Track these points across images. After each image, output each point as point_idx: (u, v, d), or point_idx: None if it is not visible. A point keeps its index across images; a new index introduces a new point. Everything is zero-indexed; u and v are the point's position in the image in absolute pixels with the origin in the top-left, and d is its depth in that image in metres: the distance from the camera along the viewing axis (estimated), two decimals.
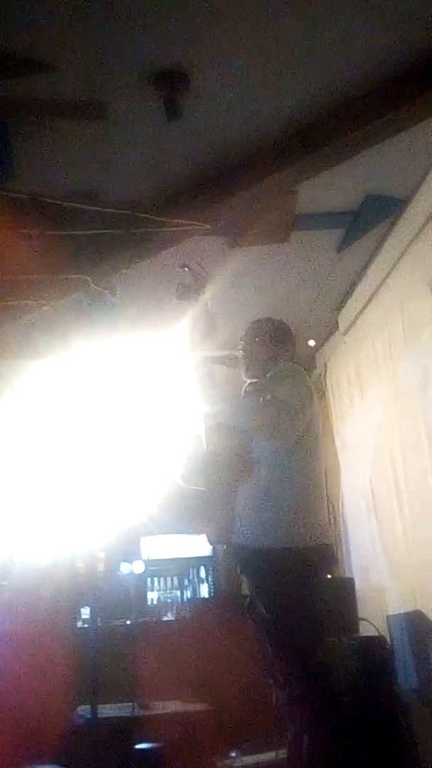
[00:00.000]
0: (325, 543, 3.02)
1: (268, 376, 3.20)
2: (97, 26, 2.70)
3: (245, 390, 3.29)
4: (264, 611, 2.90)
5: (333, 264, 4.68)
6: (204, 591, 7.36)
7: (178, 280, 3.21)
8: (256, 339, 3.34)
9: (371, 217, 4.17)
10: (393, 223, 4.27)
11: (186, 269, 3.20)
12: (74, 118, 3.12)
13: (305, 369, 3.62)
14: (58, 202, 3.40)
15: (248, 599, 3.10)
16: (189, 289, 3.19)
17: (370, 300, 4.84)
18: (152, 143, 3.36)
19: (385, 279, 4.55)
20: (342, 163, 3.43)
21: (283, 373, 3.18)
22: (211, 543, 3.13)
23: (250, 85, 3.09)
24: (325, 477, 3.34)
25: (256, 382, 3.25)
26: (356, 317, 5.13)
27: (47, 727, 4.08)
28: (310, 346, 5.91)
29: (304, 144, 3.33)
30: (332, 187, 3.82)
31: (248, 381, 3.30)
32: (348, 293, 5.16)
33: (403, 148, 3.51)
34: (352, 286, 5.05)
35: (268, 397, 3.00)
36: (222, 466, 3.12)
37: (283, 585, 2.86)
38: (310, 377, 4.05)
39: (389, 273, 4.47)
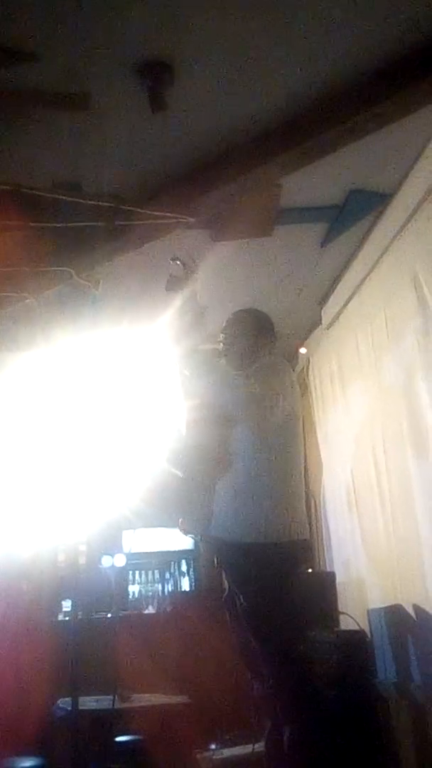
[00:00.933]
0: (301, 539, 3.02)
1: (252, 368, 3.21)
2: (82, 16, 2.67)
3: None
4: (243, 604, 2.91)
5: (316, 258, 4.68)
6: (185, 584, 7.38)
7: (170, 272, 3.22)
8: (236, 330, 3.35)
9: (355, 212, 4.17)
10: (377, 218, 4.27)
11: (177, 262, 3.20)
12: (57, 109, 3.09)
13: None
14: (41, 193, 3.38)
15: (226, 592, 3.11)
16: (179, 281, 3.19)
17: (353, 295, 4.84)
18: (136, 135, 3.34)
19: (368, 274, 4.55)
20: (326, 157, 3.42)
21: (266, 366, 3.18)
22: (184, 534, 3.15)
23: (234, 77, 3.07)
24: (306, 472, 3.35)
25: (240, 374, 3.25)
26: (339, 312, 5.13)
27: (28, 720, 4.08)
28: (302, 354, 5.93)
29: (288, 138, 3.32)
30: (316, 182, 3.81)
31: (233, 374, 3.30)
32: (331, 288, 5.16)
33: (388, 143, 3.50)
34: (336, 280, 5.05)
35: (252, 380, 3.00)
36: (201, 459, 3.12)
37: (261, 579, 2.87)
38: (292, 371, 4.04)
39: (373, 268, 4.47)
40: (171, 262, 3.21)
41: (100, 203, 3.47)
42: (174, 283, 3.21)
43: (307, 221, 4.25)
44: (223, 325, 3.40)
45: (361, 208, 4.15)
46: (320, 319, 5.49)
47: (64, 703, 4.11)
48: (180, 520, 3.21)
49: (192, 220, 3.62)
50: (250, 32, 2.84)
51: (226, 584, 3.15)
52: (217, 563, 3.24)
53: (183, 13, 2.71)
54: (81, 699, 3.86)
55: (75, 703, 3.78)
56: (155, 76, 2.94)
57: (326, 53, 2.98)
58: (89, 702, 4.28)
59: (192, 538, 3.74)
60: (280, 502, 2.97)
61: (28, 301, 4.00)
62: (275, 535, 2.91)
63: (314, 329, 5.79)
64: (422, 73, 3.03)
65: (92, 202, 3.47)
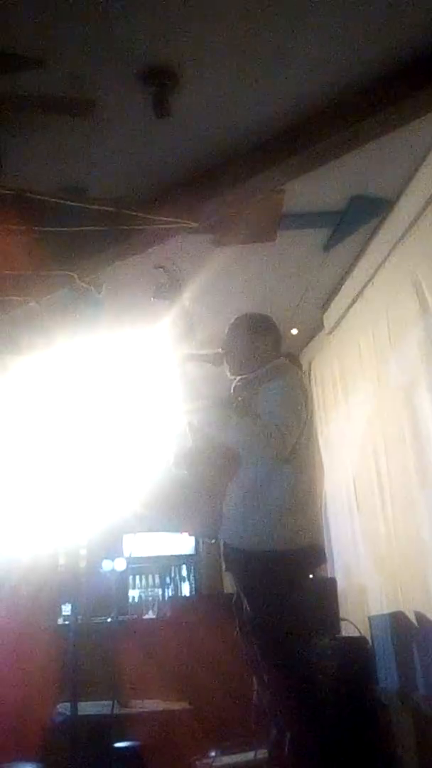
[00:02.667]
0: (314, 543, 3.00)
1: (258, 371, 3.18)
2: (87, 22, 2.68)
3: (234, 387, 3.27)
4: (249, 610, 2.90)
5: (319, 263, 4.69)
6: (185, 589, 7.37)
7: (156, 280, 3.21)
8: (233, 334, 3.32)
9: (357, 218, 4.18)
10: (379, 224, 4.28)
11: (162, 269, 3.20)
12: (62, 114, 3.09)
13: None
14: (45, 198, 3.37)
15: (235, 596, 3.10)
16: (165, 289, 3.20)
17: (355, 300, 4.85)
18: (140, 140, 3.35)
19: (370, 279, 4.56)
20: (329, 163, 3.43)
21: (272, 371, 3.15)
22: (194, 536, 3.15)
23: (238, 84, 3.08)
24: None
25: (244, 379, 3.23)
26: (341, 317, 5.13)
27: (27, 725, 4.07)
28: (293, 334, 5.89)
29: (292, 143, 3.33)
30: (319, 187, 3.82)
31: (237, 378, 3.28)
32: (333, 293, 5.17)
33: (390, 150, 3.52)
34: (338, 285, 5.06)
35: (258, 410, 2.98)
36: (207, 462, 3.10)
37: (270, 587, 2.85)
38: None
39: (375, 273, 4.48)
40: (155, 269, 3.22)
41: (104, 208, 3.47)
42: (160, 291, 3.21)
43: (310, 226, 4.26)
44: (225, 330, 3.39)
45: (364, 213, 4.16)
46: (322, 324, 5.49)
47: (64, 708, 4.10)
48: (190, 524, 3.20)
49: (195, 224, 3.62)
50: (254, 40, 2.85)
51: (234, 588, 3.13)
52: (225, 567, 3.23)
53: (188, 21, 2.72)
54: (80, 704, 3.85)
55: (74, 709, 3.76)
56: (160, 82, 2.95)
57: (329, 61, 3.00)
58: (88, 707, 4.25)
59: (206, 540, 3.74)
60: (291, 508, 2.93)
61: (31, 304, 4.00)
62: (286, 543, 2.89)
63: (316, 334, 5.79)
64: (424, 81, 3.05)
65: (96, 207, 3.47)
